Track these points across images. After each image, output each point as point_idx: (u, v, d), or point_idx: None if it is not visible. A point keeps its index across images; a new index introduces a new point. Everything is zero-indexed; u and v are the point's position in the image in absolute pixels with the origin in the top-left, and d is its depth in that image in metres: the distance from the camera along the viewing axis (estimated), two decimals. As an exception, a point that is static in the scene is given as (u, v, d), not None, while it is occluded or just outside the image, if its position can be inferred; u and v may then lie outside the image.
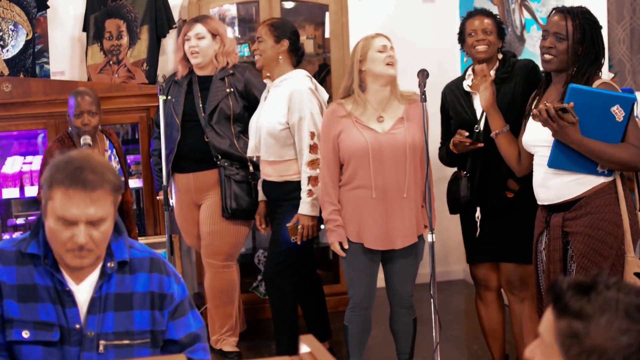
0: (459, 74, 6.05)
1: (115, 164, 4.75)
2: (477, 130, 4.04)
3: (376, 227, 3.99)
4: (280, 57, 4.47)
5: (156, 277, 2.42)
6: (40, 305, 2.32)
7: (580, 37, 3.48)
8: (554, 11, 3.58)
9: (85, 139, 4.51)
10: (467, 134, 4.03)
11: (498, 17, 4.18)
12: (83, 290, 2.35)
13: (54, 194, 2.24)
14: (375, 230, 3.99)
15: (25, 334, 2.31)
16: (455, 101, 4.17)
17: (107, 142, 4.79)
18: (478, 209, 4.10)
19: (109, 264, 2.36)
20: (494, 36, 4.06)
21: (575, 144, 3.38)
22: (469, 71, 4.16)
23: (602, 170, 3.44)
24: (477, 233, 4.11)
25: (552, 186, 3.53)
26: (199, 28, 4.71)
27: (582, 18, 3.51)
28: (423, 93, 3.86)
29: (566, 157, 3.42)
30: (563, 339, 1.41)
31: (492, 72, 4.01)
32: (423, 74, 3.90)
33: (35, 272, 2.33)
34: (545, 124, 3.38)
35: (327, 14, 5.62)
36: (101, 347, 2.35)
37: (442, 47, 6.04)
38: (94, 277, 2.36)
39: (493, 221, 4.08)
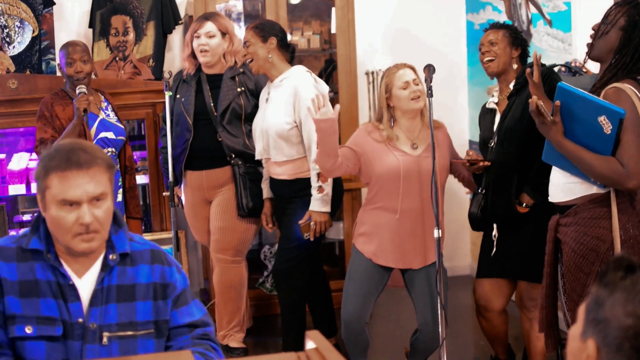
0: (465, 68, 6.06)
1: (112, 114, 4.78)
2: (490, 146, 4.01)
3: (395, 246, 4.01)
4: (270, 56, 4.45)
5: (158, 267, 2.43)
6: (42, 300, 2.32)
7: (625, 25, 3.25)
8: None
9: (81, 88, 4.54)
10: (471, 152, 4.02)
11: (513, 27, 4.07)
12: (85, 284, 2.36)
13: (50, 181, 2.26)
14: (396, 248, 4.01)
15: (28, 330, 2.31)
16: (482, 117, 4.17)
17: (102, 97, 4.83)
18: (495, 226, 4.01)
19: (110, 256, 2.37)
20: (502, 47, 3.96)
21: (555, 144, 3.28)
22: (496, 88, 4.10)
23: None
24: (494, 252, 4.02)
25: (554, 184, 3.46)
26: (210, 26, 4.68)
27: (635, 8, 3.26)
28: (429, 88, 3.85)
29: (556, 153, 3.32)
30: (589, 303, 1.48)
31: (511, 86, 3.96)
32: (429, 69, 3.90)
33: (37, 267, 2.34)
34: (531, 114, 3.31)
35: (333, 9, 5.61)
36: (105, 339, 2.34)
37: (448, 41, 6.03)
38: (95, 269, 2.37)
39: (509, 238, 3.98)
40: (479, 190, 4.07)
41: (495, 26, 4.07)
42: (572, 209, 3.37)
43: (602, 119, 3.11)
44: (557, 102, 3.21)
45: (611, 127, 3.11)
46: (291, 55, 4.56)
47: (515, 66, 3.99)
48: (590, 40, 3.39)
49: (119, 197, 4.80)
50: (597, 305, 1.46)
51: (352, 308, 4.07)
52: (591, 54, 3.39)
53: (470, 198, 4.19)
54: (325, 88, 4.52)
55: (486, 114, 4.13)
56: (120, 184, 4.83)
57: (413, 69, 4.06)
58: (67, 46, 4.67)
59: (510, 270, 4.02)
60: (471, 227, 4.18)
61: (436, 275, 3.86)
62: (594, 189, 3.31)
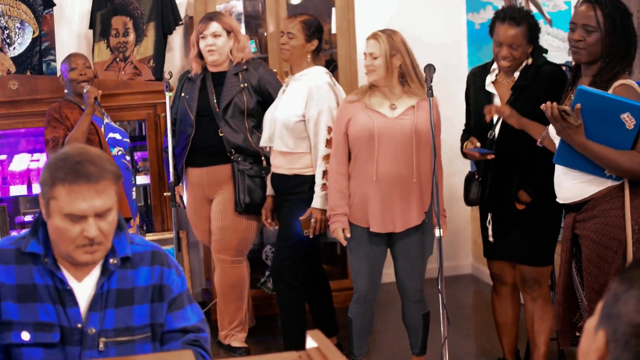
0: (466, 67, 6.05)
1: (112, 122, 4.86)
2: (490, 137, 3.98)
3: (378, 210, 4.02)
4: (308, 56, 4.52)
5: (158, 269, 2.39)
6: (40, 305, 2.28)
7: (611, 27, 3.34)
8: (581, 1, 3.43)
9: (87, 88, 4.63)
10: (478, 144, 3.95)
11: (531, 20, 3.89)
12: (85, 288, 2.32)
13: (57, 192, 2.19)
14: (378, 213, 4.02)
15: (25, 336, 2.26)
16: (476, 96, 4.10)
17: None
18: (489, 215, 4.05)
19: (111, 260, 2.32)
20: (521, 49, 3.86)
21: (578, 147, 3.31)
22: (494, 65, 4.01)
23: (609, 173, 3.36)
24: (490, 237, 4.06)
25: (565, 186, 3.49)
26: (215, 26, 4.71)
27: (612, 7, 3.36)
28: (430, 88, 3.86)
29: (571, 155, 3.35)
30: (607, 297, 1.48)
31: (516, 74, 3.92)
32: (430, 69, 3.89)
33: (35, 271, 2.29)
34: (551, 120, 3.33)
35: (333, 9, 5.62)
36: (101, 345, 2.31)
37: (449, 41, 6.03)
38: (95, 274, 2.33)
39: (508, 224, 4.01)
40: (476, 177, 4.07)
41: (514, 20, 3.85)
42: (589, 203, 3.41)
43: (625, 116, 3.20)
44: (578, 105, 3.24)
45: (634, 123, 3.20)
46: (318, 55, 4.63)
47: (529, 61, 3.91)
48: (574, 46, 3.44)
49: (134, 195, 4.85)
50: (613, 300, 1.44)
51: (363, 280, 4.11)
52: (583, 59, 3.43)
53: (466, 177, 4.19)
54: (342, 93, 4.53)
55: (484, 95, 4.04)
56: (133, 182, 4.87)
57: (377, 39, 4.01)
58: (69, 56, 4.81)
59: (510, 254, 4.06)
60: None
61: (437, 275, 3.86)
62: (608, 183, 3.38)
